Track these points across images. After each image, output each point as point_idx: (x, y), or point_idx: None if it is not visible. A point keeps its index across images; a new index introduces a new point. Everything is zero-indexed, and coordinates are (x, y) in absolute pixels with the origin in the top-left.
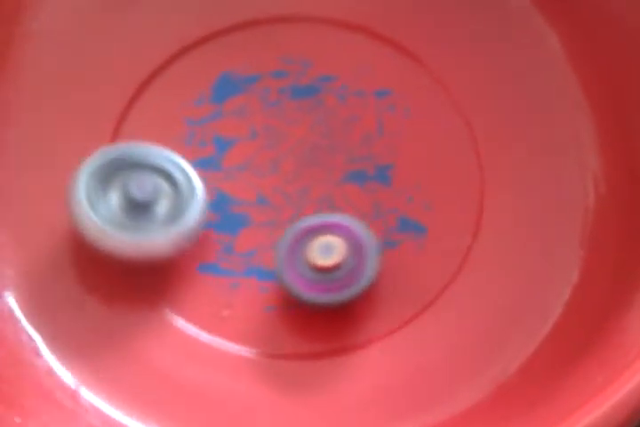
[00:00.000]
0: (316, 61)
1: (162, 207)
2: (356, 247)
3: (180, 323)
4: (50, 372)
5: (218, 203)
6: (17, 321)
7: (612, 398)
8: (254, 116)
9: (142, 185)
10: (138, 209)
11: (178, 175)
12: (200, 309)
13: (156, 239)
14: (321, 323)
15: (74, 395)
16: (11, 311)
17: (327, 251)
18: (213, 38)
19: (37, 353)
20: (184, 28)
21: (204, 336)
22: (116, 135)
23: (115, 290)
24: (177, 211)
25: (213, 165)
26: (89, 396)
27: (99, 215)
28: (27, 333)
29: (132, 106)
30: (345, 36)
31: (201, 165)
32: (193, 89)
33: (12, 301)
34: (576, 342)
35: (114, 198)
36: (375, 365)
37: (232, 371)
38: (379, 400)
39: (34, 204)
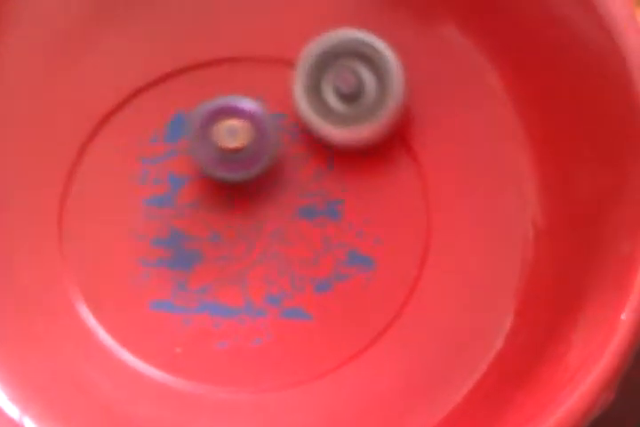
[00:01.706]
0: (268, 100)
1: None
2: (259, 129)
3: (132, 360)
4: None
5: (171, 240)
6: None
7: (556, 414)
8: None
9: (346, 79)
10: (349, 99)
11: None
12: (152, 346)
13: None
14: (273, 358)
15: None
16: None
17: (233, 134)
18: (167, 79)
19: None
20: (139, 69)
21: (157, 373)
22: (71, 174)
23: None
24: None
25: (167, 202)
26: None
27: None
28: None
29: (88, 145)
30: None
31: (155, 203)
32: (148, 129)
33: None
34: (518, 369)
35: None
36: (327, 397)
37: (184, 408)
38: None
39: None
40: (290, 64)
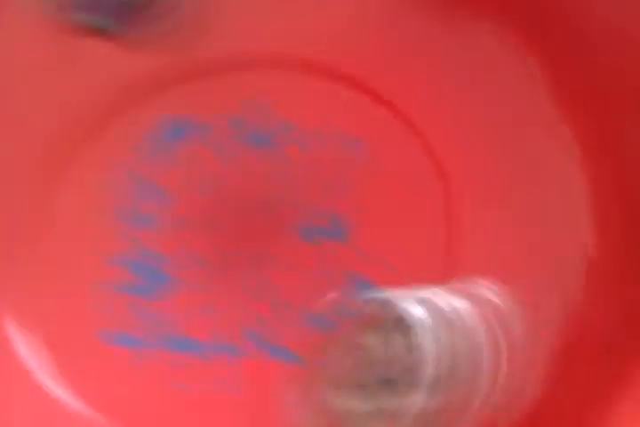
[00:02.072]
0: (276, 107)
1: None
2: None
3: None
4: None
5: (135, 259)
6: None
7: None
8: (201, 165)
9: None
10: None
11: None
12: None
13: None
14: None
15: None
16: None
17: None
18: (171, 85)
19: None
20: (137, 70)
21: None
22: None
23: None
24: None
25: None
26: None
27: None
28: None
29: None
30: (309, 80)
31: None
32: (135, 137)
33: None
34: None
35: None
36: None
37: None
38: None
39: None
40: (299, 68)
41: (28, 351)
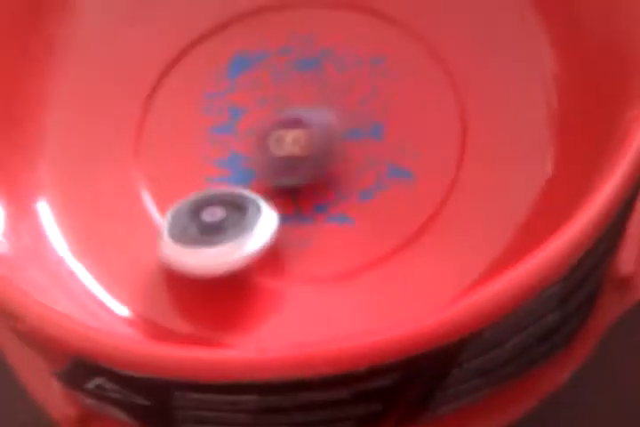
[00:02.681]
0: (316, 37)
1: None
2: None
3: None
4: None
5: (231, 160)
6: None
7: None
8: (264, 88)
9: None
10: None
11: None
12: None
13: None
14: (320, 255)
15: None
16: None
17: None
18: (228, 25)
19: None
20: (203, 15)
21: None
22: (147, 106)
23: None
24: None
25: (228, 129)
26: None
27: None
28: None
29: (161, 82)
30: (342, 14)
31: (217, 131)
32: (211, 68)
33: None
34: None
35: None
36: (371, 285)
37: (240, 293)
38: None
39: None
40: (334, 4)
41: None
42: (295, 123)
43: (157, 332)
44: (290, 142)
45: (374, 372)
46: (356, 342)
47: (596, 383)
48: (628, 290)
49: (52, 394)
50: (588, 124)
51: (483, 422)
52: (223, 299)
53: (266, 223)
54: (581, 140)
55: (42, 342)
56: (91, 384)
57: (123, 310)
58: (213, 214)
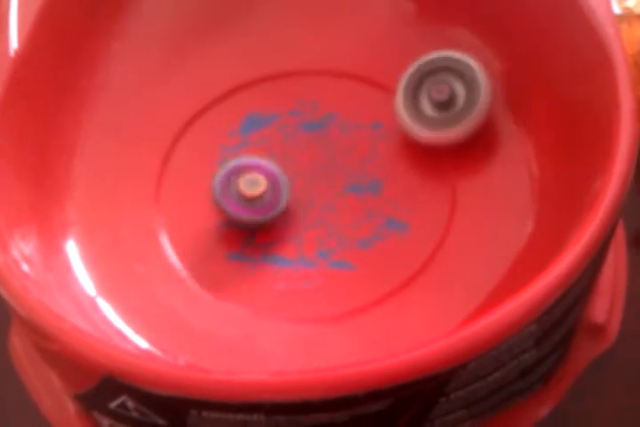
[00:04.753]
0: (323, 103)
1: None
2: (273, 182)
3: (208, 294)
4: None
5: None
6: None
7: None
8: (274, 145)
9: (440, 89)
10: (442, 106)
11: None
12: (226, 285)
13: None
14: (321, 297)
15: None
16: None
17: (253, 184)
18: (244, 87)
19: None
20: (221, 79)
21: (228, 305)
22: (166, 157)
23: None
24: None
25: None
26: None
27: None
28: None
29: (180, 136)
30: (346, 83)
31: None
32: (227, 124)
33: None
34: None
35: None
36: (368, 327)
37: (249, 332)
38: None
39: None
40: (339, 74)
41: (181, 266)
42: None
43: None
44: (257, 184)
45: (372, 396)
46: (357, 368)
47: (572, 417)
48: (601, 337)
49: (66, 417)
50: (563, 190)
51: None
52: (226, 336)
53: (486, 91)
54: (558, 205)
55: (73, 363)
56: (114, 403)
57: (140, 341)
58: (441, 92)
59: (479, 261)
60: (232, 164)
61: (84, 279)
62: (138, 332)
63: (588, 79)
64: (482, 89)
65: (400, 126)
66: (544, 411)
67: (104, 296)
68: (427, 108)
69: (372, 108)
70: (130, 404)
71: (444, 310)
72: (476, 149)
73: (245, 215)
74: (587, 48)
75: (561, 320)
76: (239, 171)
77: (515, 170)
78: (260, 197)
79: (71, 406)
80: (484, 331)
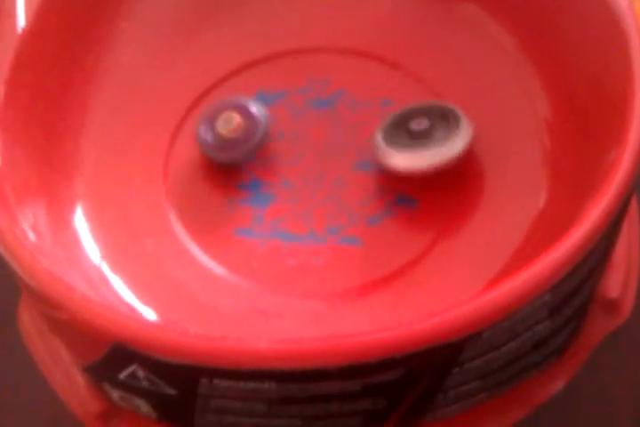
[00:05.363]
0: (332, 80)
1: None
2: (250, 119)
3: (218, 269)
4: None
5: (252, 184)
6: None
7: None
8: (283, 122)
9: (419, 122)
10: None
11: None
12: (235, 261)
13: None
14: (330, 272)
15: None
16: None
17: (228, 123)
18: (253, 65)
19: None
20: (233, 54)
21: (237, 280)
22: (175, 134)
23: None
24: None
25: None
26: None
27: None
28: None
29: (190, 113)
30: (355, 61)
31: None
32: None
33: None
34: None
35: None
36: (375, 302)
37: (256, 306)
38: None
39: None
40: (349, 52)
41: (190, 241)
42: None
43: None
44: (232, 123)
45: (385, 364)
46: (371, 336)
47: (587, 391)
48: (616, 312)
49: (75, 390)
50: (577, 163)
51: None
52: (235, 310)
53: (466, 129)
54: (571, 177)
55: (82, 332)
56: (124, 373)
57: (149, 314)
58: (419, 124)
59: (490, 236)
60: (214, 105)
61: (93, 253)
62: (147, 305)
63: (601, 53)
64: (461, 124)
65: (378, 159)
66: (559, 385)
67: (113, 270)
68: (404, 140)
69: (381, 86)
70: (140, 373)
71: (454, 286)
72: (487, 123)
73: (223, 154)
74: (599, 21)
75: (575, 292)
76: (219, 110)
77: (526, 143)
78: (234, 135)
79: (80, 380)
80: (498, 299)
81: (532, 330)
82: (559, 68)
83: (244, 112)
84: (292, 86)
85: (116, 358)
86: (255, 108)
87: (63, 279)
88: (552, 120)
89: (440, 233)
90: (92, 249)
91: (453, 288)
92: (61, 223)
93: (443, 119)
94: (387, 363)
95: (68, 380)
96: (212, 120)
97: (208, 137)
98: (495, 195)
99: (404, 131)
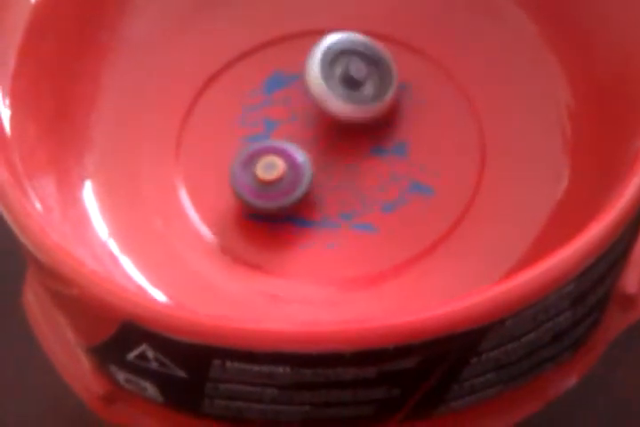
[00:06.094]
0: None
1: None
2: (292, 165)
3: (228, 250)
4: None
5: None
6: None
7: None
8: (297, 105)
9: (358, 68)
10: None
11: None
12: (245, 246)
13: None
14: (343, 258)
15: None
16: None
17: (270, 168)
18: (269, 45)
19: None
20: (246, 36)
21: (246, 265)
22: (188, 112)
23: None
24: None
25: (262, 139)
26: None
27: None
28: None
29: (202, 93)
30: None
31: (252, 140)
32: (250, 83)
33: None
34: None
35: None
36: (389, 291)
37: (266, 291)
38: None
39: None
40: (364, 33)
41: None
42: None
43: None
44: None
45: (402, 351)
46: (390, 321)
47: (599, 384)
48: (632, 308)
49: (80, 372)
50: (600, 150)
51: (491, 421)
52: (245, 294)
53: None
54: (593, 165)
55: (91, 309)
56: (133, 353)
57: (156, 294)
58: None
59: (509, 224)
60: (251, 147)
61: (103, 232)
62: (155, 285)
63: (626, 39)
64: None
65: (313, 97)
66: (573, 380)
67: (121, 249)
68: (338, 84)
69: (399, 69)
70: (149, 353)
71: (471, 275)
72: (507, 109)
73: (260, 201)
74: (623, 7)
75: (599, 282)
76: (258, 154)
77: (547, 130)
78: (277, 181)
79: (85, 362)
80: (526, 285)
81: (554, 321)
82: (582, 55)
83: (286, 157)
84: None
85: (125, 338)
86: (298, 154)
87: (73, 254)
88: (574, 107)
89: (456, 221)
90: (101, 228)
91: (470, 277)
92: (69, 199)
93: (373, 64)
94: (404, 350)
95: (73, 361)
96: (249, 164)
97: (246, 182)
98: (514, 183)
99: (339, 71)
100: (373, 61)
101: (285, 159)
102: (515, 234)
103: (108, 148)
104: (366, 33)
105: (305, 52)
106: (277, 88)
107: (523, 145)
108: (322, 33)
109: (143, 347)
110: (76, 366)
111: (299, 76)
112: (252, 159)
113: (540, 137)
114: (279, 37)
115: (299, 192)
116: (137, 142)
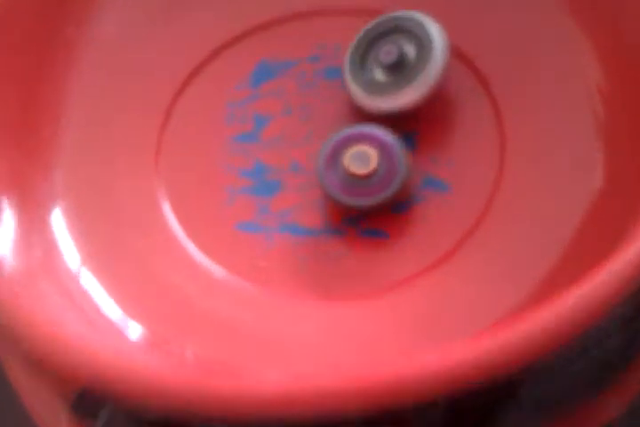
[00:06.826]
0: (345, 45)
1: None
2: (387, 156)
3: (217, 269)
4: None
5: (256, 171)
6: None
7: None
8: (291, 96)
9: (387, 51)
10: (393, 69)
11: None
12: (237, 259)
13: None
14: (350, 270)
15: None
16: None
17: (362, 160)
18: (255, 32)
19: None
20: (229, 22)
21: (239, 282)
22: (168, 114)
23: (156, 240)
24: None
25: (252, 138)
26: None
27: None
28: None
29: (183, 90)
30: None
31: (241, 139)
32: (234, 75)
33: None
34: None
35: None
36: (402, 302)
37: (262, 313)
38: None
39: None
40: (364, 13)
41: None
42: (361, 138)
43: (169, 353)
44: (366, 158)
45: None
46: (407, 369)
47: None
48: None
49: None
50: (636, 135)
51: None
52: (238, 319)
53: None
54: (632, 152)
55: (46, 372)
56: (102, 419)
57: (134, 330)
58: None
59: (536, 226)
60: (340, 134)
61: (74, 260)
62: (133, 317)
63: None
64: (434, 45)
65: (351, 99)
66: (615, 411)
67: (97, 276)
68: (377, 74)
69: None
70: (119, 418)
71: (496, 287)
72: (535, 94)
73: (350, 197)
74: None
75: None
76: (347, 143)
77: (578, 114)
78: (371, 176)
79: (64, 416)
80: (575, 307)
81: (602, 347)
82: (613, 34)
83: (380, 147)
84: (302, 54)
85: (88, 404)
86: (392, 141)
87: (23, 309)
88: (605, 90)
89: (477, 222)
90: (71, 254)
91: (498, 286)
92: (36, 221)
93: (411, 36)
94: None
95: (52, 416)
96: (336, 156)
97: (334, 176)
98: (542, 175)
99: (373, 63)
100: (410, 34)
101: (378, 148)
102: (544, 237)
103: (78, 159)
104: (362, 11)
105: (292, 37)
106: (266, 79)
107: (552, 131)
108: (310, 15)
109: (108, 414)
110: (55, 420)
111: (289, 63)
112: (336, 153)
113: (568, 121)
114: (262, 23)
115: (396, 185)
116: (111, 150)
